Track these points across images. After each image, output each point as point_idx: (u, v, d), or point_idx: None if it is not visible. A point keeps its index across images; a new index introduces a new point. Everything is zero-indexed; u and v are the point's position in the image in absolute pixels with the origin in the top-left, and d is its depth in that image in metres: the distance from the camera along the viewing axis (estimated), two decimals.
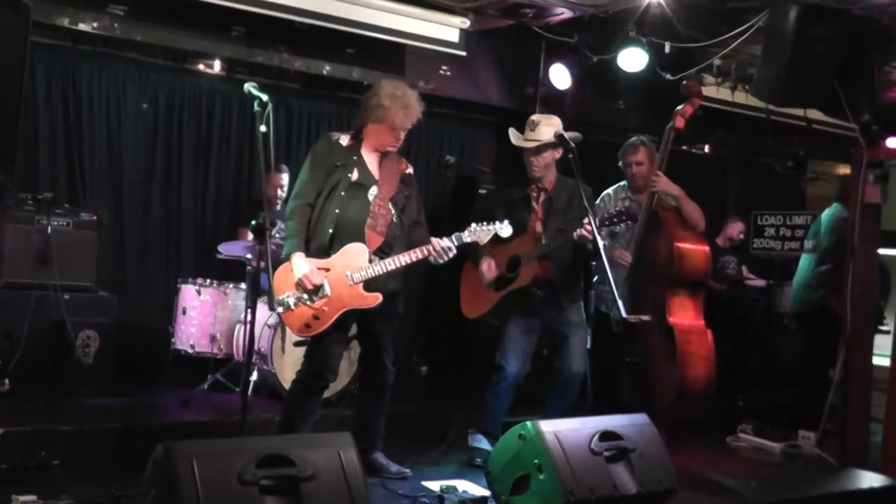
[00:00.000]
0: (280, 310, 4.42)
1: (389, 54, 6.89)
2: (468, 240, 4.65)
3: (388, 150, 4.67)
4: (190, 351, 6.18)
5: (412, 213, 4.77)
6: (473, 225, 4.66)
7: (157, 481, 3.05)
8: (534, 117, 5.28)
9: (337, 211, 4.51)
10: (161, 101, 6.81)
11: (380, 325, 4.68)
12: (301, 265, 4.42)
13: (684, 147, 9.14)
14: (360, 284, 4.46)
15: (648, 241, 5.62)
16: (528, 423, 3.90)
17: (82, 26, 6.04)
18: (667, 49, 6.64)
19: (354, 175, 4.56)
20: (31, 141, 6.28)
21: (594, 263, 5.06)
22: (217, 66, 6.90)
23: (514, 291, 5.23)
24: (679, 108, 5.67)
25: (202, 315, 6.19)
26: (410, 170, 4.81)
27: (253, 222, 4.22)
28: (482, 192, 7.49)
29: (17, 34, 4.75)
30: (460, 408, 5.99)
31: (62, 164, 6.45)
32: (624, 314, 4.83)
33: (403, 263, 4.54)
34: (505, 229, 4.71)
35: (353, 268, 4.45)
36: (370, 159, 4.65)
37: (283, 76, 7.05)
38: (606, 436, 3.96)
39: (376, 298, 4.48)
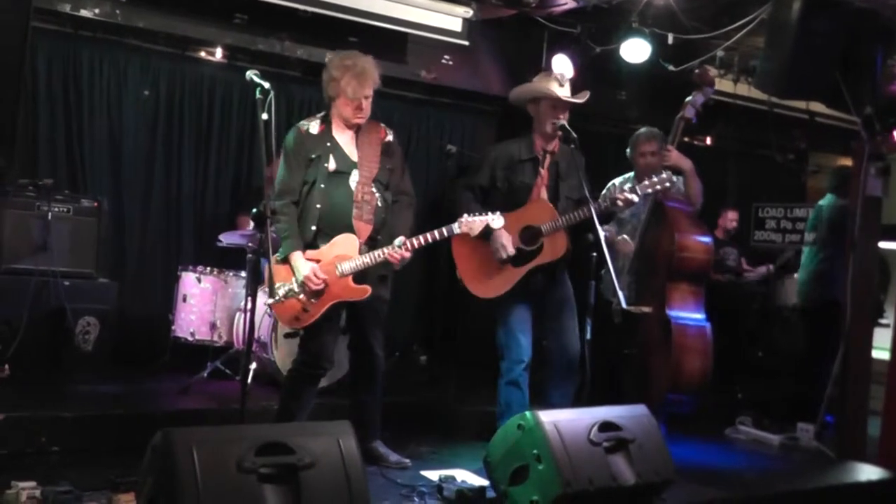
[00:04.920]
0: (271, 301, 4.38)
1: (392, 43, 6.87)
2: (460, 231, 4.50)
3: (356, 122, 4.51)
4: (190, 338, 6.18)
5: (396, 185, 4.63)
6: (465, 216, 4.51)
7: (156, 468, 3.06)
8: (559, 73, 5.04)
9: (319, 206, 4.42)
10: (162, 89, 6.79)
11: (367, 311, 4.59)
12: (303, 266, 4.35)
13: (686, 138, 9.09)
14: (350, 276, 4.40)
15: (651, 232, 5.59)
16: (528, 413, 3.90)
17: (84, 12, 6.04)
18: (670, 40, 6.64)
19: (332, 164, 4.44)
20: (32, 127, 6.28)
21: (594, 254, 4.98)
22: (219, 53, 6.89)
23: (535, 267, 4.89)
24: (690, 97, 5.62)
25: (202, 303, 6.19)
26: (391, 136, 4.65)
27: (254, 210, 4.22)
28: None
29: (17, 19, 4.75)
30: (460, 397, 5.99)
31: (62, 151, 6.44)
32: (624, 305, 4.81)
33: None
34: (497, 220, 4.52)
35: (342, 259, 4.39)
36: (345, 140, 4.52)
37: (284, 64, 7.03)
38: (605, 426, 3.96)
39: (365, 291, 4.42)
